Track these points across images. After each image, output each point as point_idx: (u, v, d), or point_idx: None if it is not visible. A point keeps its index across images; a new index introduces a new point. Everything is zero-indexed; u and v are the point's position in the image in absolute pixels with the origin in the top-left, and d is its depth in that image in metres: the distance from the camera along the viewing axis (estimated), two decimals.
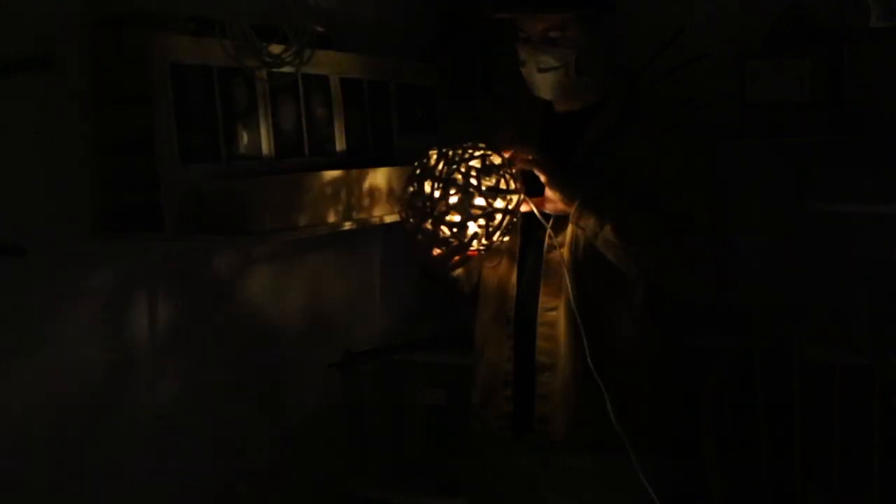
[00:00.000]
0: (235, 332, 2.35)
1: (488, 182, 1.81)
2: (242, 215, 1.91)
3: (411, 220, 1.84)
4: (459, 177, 1.80)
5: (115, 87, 1.96)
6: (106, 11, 1.95)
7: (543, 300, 1.93)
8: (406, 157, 2.46)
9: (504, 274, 2.00)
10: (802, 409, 2.23)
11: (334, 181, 2.16)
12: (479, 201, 1.80)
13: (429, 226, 1.81)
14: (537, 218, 1.90)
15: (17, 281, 1.85)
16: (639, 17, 2.64)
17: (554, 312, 1.91)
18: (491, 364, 2.02)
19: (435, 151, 1.85)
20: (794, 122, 2.48)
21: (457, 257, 1.86)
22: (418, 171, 1.84)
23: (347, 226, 2.18)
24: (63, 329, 1.95)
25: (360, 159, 2.37)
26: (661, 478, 1.98)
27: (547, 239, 1.92)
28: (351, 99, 2.40)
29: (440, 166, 1.81)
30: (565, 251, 1.91)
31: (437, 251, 1.85)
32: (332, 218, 2.14)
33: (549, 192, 1.88)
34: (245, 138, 2.08)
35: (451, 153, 1.83)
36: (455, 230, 1.81)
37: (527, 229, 1.96)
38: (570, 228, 1.91)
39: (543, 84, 1.94)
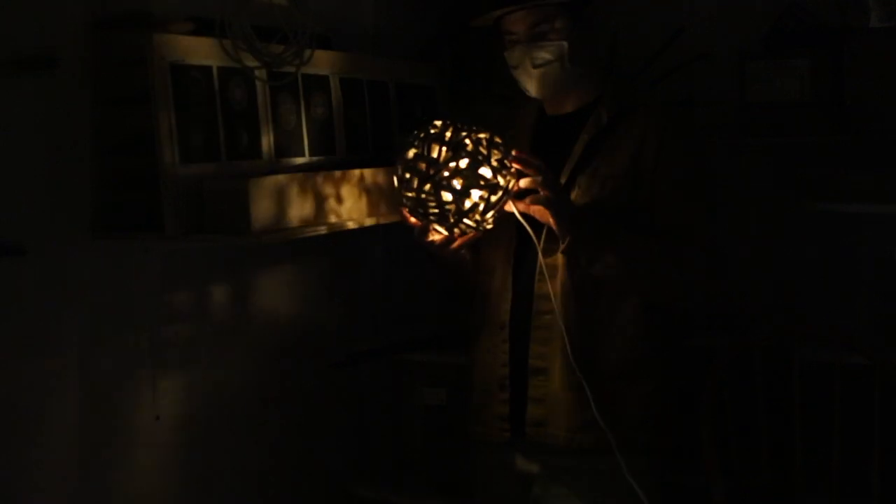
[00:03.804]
0: (235, 331, 2.35)
1: (496, 155, 1.78)
2: (242, 215, 1.91)
3: (412, 182, 1.78)
4: (469, 143, 1.77)
5: (115, 87, 1.96)
6: (106, 12, 1.96)
7: (538, 304, 1.93)
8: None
9: (499, 277, 1.99)
10: (802, 409, 2.23)
11: (334, 181, 2.16)
12: (486, 172, 1.76)
13: (428, 188, 1.76)
14: (534, 219, 1.89)
15: (17, 281, 1.85)
16: (639, 17, 2.64)
17: (549, 316, 1.91)
18: (487, 367, 2.02)
19: (440, 121, 1.81)
20: (794, 122, 2.48)
21: (455, 232, 1.82)
22: (423, 136, 1.79)
23: (347, 226, 2.18)
24: (63, 329, 1.95)
25: (360, 159, 2.37)
26: (661, 478, 1.98)
27: (540, 246, 1.89)
28: (351, 99, 2.40)
29: (448, 133, 1.78)
30: (562, 254, 1.91)
31: (436, 231, 1.81)
32: (332, 218, 2.14)
33: (539, 209, 1.82)
34: (245, 138, 2.08)
35: (459, 123, 1.80)
36: (456, 196, 1.76)
37: (521, 231, 1.93)
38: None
39: (539, 81, 1.94)
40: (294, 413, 2.54)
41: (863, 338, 2.31)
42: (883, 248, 2.54)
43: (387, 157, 2.46)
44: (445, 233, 1.82)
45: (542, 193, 1.79)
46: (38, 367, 1.91)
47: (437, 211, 1.78)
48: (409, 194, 1.79)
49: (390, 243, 2.81)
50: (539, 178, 1.79)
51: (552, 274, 1.91)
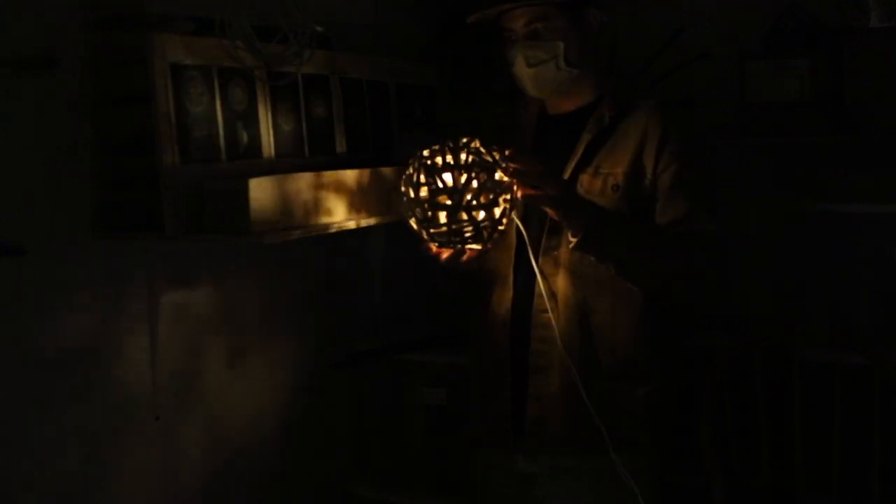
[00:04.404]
0: (235, 331, 2.35)
1: (496, 154, 1.76)
2: (242, 215, 1.91)
3: (438, 218, 1.75)
4: (473, 156, 1.74)
5: (115, 87, 1.96)
6: (106, 12, 1.96)
7: (538, 301, 1.93)
8: (406, 157, 2.47)
9: (501, 276, 2.00)
10: (802, 409, 2.23)
11: (334, 181, 2.16)
12: (499, 175, 1.75)
13: (463, 216, 1.74)
14: (532, 219, 1.89)
15: (17, 281, 1.85)
16: (639, 17, 2.64)
17: (548, 314, 1.91)
18: (488, 366, 2.02)
19: (427, 150, 1.78)
20: (794, 122, 2.48)
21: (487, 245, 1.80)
22: (425, 171, 1.76)
23: (348, 226, 2.18)
24: (63, 329, 1.95)
25: (360, 159, 2.37)
26: (661, 478, 1.98)
27: (537, 243, 1.90)
28: (351, 99, 2.40)
29: (449, 157, 1.75)
30: (562, 252, 1.91)
31: (469, 247, 1.79)
32: (332, 218, 2.14)
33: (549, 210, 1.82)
34: (245, 138, 2.08)
35: (448, 144, 1.77)
36: (488, 211, 1.74)
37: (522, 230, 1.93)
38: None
39: (534, 80, 1.94)
40: (294, 413, 2.54)
41: (863, 338, 2.31)
42: (883, 248, 2.54)
43: (387, 157, 2.46)
44: (479, 247, 1.80)
45: (547, 191, 1.78)
46: (38, 367, 1.91)
47: (473, 233, 1.76)
48: (440, 230, 1.76)
49: (390, 243, 2.81)
50: (542, 174, 1.77)
51: (553, 272, 1.91)
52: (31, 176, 1.88)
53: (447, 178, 1.74)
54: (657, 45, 2.60)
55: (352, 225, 2.19)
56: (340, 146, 2.36)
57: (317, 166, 2.19)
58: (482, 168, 1.74)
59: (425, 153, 1.78)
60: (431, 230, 1.77)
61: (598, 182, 1.91)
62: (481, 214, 1.74)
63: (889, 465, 2.17)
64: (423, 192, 1.75)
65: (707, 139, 2.14)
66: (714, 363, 2.25)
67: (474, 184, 1.73)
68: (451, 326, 2.65)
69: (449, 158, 1.75)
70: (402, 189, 1.79)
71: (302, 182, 2.07)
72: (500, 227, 1.78)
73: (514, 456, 2.00)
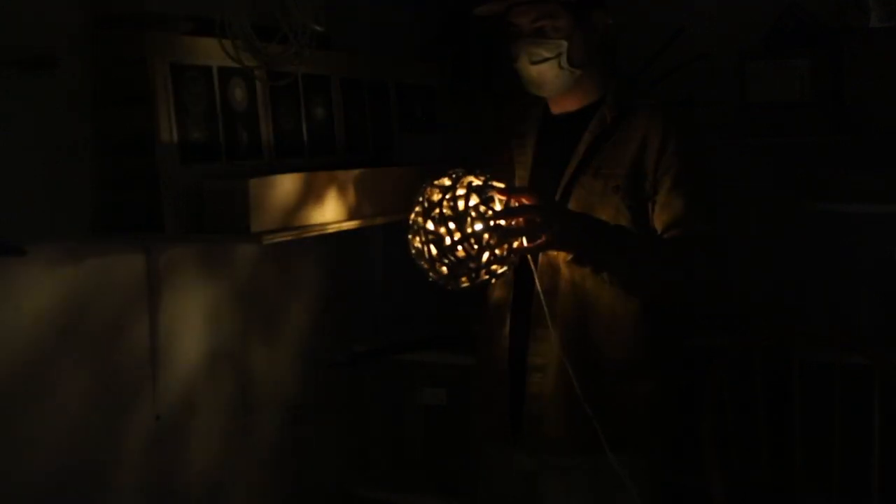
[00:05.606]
0: (235, 331, 2.35)
1: (496, 190, 1.80)
2: (242, 215, 1.91)
3: (479, 280, 1.81)
4: (483, 207, 1.77)
5: (115, 87, 1.96)
6: (106, 11, 1.96)
7: (537, 300, 1.93)
8: (406, 158, 2.47)
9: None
10: (802, 409, 2.23)
11: (334, 181, 2.16)
12: (497, 206, 1.79)
13: (486, 275, 1.80)
14: None
15: (17, 281, 1.85)
16: (639, 17, 2.65)
17: (546, 313, 1.91)
18: (489, 364, 2.02)
19: (428, 222, 1.78)
20: (794, 122, 2.48)
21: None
22: (439, 253, 1.77)
23: (347, 226, 2.18)
24: (62, 329, 1.95)
25: (360, 159, 2.37)
26: (661, 478, 1.98)
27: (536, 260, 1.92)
28: (351, 99, 2.40)
29: (454, 230, 1.76)
30: (560, 253, 1.91)
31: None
32: (332, 218, 2.14)
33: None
34: (245, 138, 2.08)
35: (448, 214, 1.77)
36: (506, 263, 1.81)
37: None
38: None
39: (535, 77, 1.94)
40: (294, 413, 2.54)
41: (863, 338, 2.31)
42: (883, 248, 2.54)
43: (387, 157, 2.46)
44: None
45: (543, 239, 1.80)
46: (38, 368, 1.90)
47: (506, 269, 1.84)
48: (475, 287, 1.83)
49: (390, 243, 2.81)
50: (532, 226, 1.79)
51: (553, 272, 1.91)
52: (31, 176, 1.88)
53: (462, 250, 1.77)
54: (657, 45, 2.60)
55: (351, 225, 2.19)
56: (340, 146, 2.36)
57: (317, 166, 2.20)
58: (491, 229, 1.76)
59: (429, 228, 1.78)
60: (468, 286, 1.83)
61: (599, 183, 1.91)
62: (501, 258, 1.79)
63: (889, 465, 2.17)
64: (445, 270, 1.79)
65: (707, 139, 2.14)
66: (714, 363, 2.25)
67: (490, 242, 1.76)
68: (451, 326, 2.65)
69: (454, 229, 1.76)
70: (421, 264, 1.82)
71: (301, 182, 2.07)
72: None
73: (513, 454, 2.00)
